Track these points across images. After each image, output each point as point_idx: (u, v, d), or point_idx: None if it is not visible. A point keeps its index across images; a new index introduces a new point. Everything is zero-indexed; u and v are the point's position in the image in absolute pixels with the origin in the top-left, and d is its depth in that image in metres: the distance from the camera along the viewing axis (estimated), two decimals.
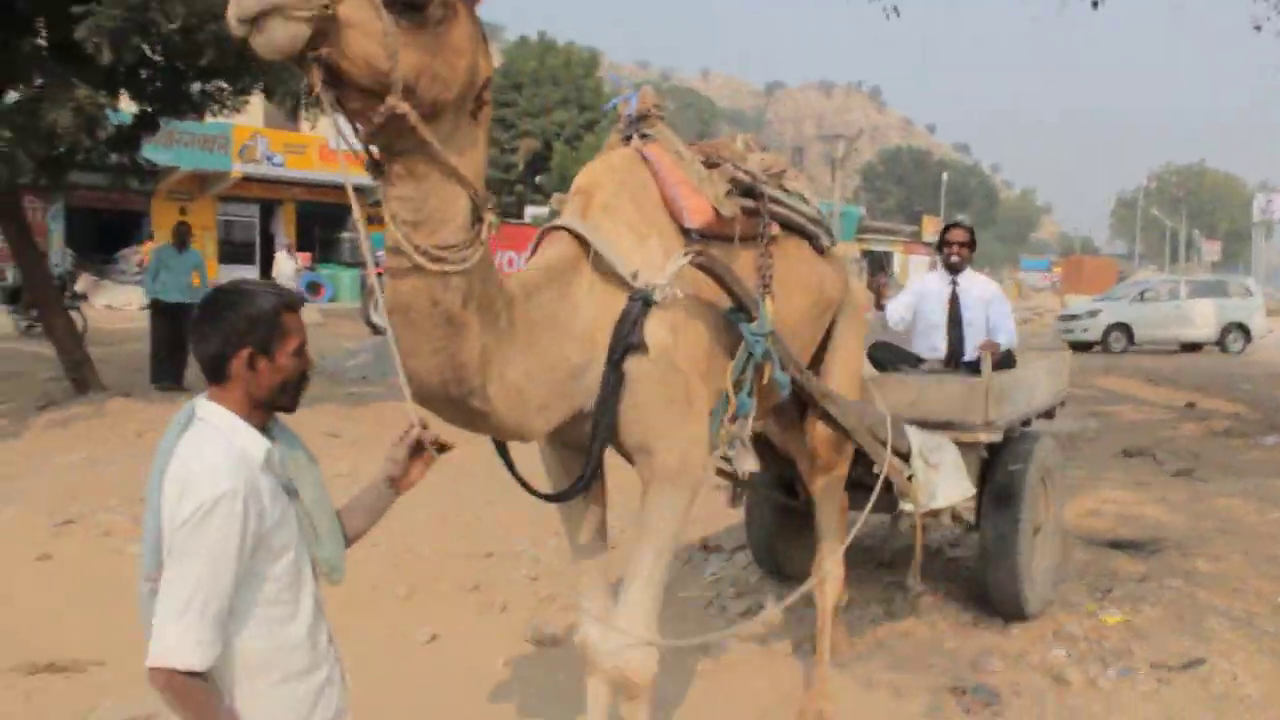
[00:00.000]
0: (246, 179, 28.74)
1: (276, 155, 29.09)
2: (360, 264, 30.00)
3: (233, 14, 2.42)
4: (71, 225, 27.10)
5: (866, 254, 55.46)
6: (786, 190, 4.68)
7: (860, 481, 5.52)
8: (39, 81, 9.66)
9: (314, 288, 29.41)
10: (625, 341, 3.62)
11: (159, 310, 13.11)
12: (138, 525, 3.36)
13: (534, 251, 3.82)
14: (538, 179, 44.31)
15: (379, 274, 3.10)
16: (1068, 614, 5.97)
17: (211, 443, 2.38)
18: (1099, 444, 12.84)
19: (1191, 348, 26.06)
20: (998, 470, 5.95)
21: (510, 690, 5.30)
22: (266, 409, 2.49)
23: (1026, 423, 6.47)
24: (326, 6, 2.47)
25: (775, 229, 4.42)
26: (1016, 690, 5.10)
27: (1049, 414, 7.04)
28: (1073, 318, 27.61)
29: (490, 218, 3.10)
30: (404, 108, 2.71)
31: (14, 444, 9.86)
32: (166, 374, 12.85)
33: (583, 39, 51.31)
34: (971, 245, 6.84)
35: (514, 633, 5.99)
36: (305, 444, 2.64)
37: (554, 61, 45.70)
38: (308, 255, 31.14)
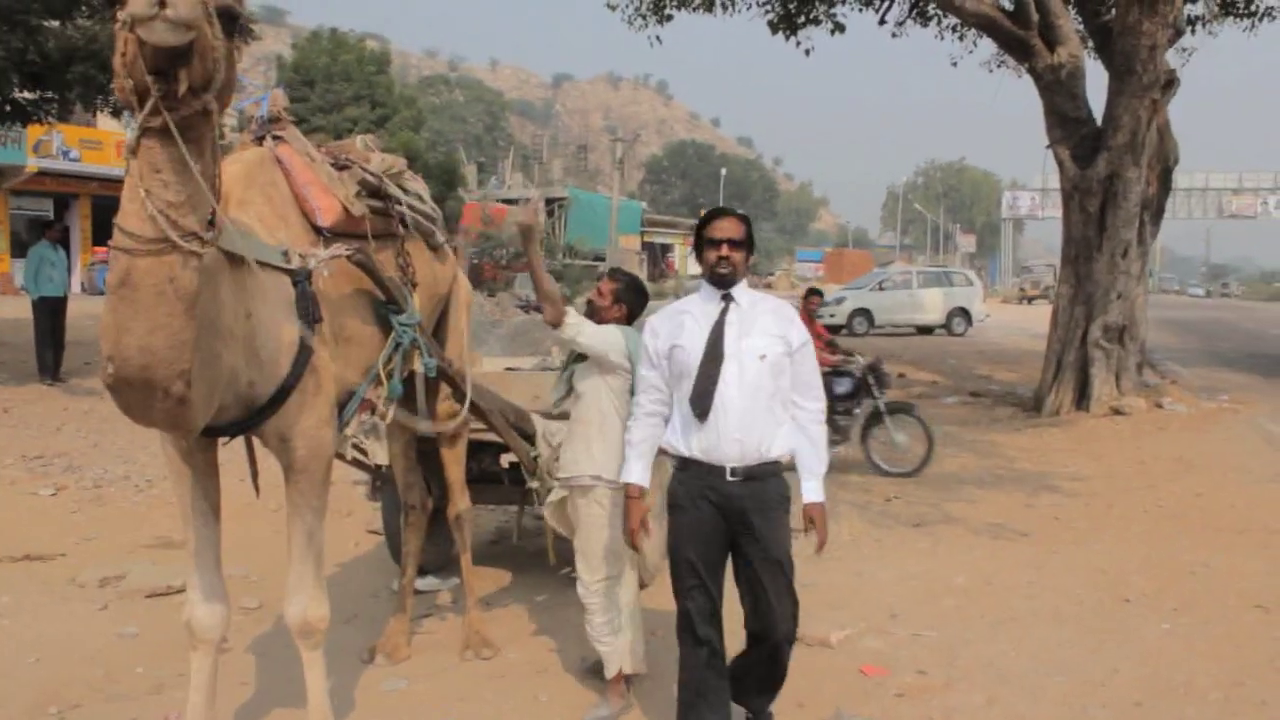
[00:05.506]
0: (41, 173, 28.91)
1: (72, 150, 29.37)
2: None
3: (148, 15, 2.71)
4: None
5: (647, 246, 58.18)
6: (406, 190, 4.83)
7: (486, 473, 6.33)
8: None
9: None
10: (311, 318, 3.78)
11: (44, 307, 13.17)
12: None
13: None
14: None
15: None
16: None
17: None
18: None
19: (925, 330, 29.27)
20: None
21: None
22: None
23: None
24: (196, 30, 2.81)
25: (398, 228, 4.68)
26: None
27: None
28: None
29: (222, 222, 3.27)
30: (214, 105, 3.05)
31: None
32: (48, 368, 13.04)
33: (369, 25, 51.64)
34: None
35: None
36: None
37: (346, 58, 46.37)
38: (104, 249, 31.60)
